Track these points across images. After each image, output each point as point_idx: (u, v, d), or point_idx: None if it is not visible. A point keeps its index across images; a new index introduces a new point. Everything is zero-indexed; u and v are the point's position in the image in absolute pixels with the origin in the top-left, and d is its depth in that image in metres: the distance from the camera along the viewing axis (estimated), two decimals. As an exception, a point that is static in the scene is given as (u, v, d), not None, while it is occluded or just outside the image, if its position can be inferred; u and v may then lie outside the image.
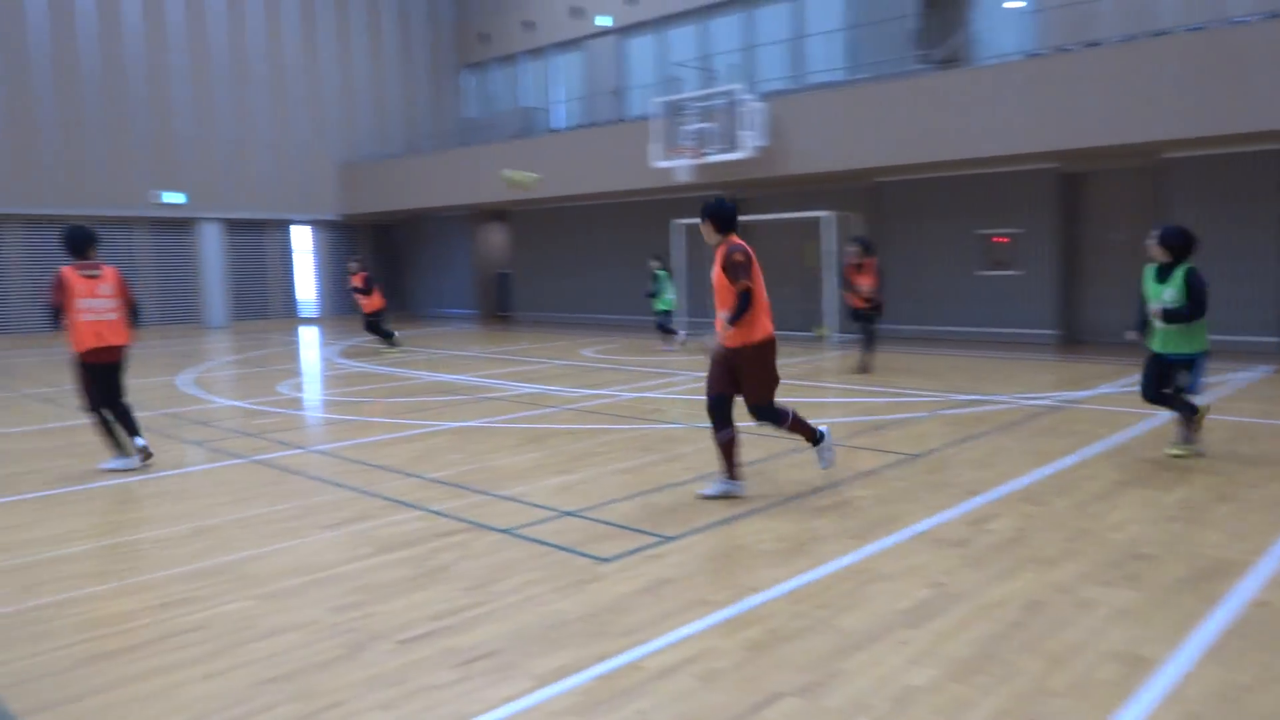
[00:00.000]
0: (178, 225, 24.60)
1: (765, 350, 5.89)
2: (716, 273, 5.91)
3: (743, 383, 5.94)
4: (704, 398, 6.15)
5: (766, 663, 3.57)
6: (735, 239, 5.97)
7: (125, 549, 5.36)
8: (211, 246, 25.00)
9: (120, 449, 7.50)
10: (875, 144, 15.64)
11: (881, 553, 4.86)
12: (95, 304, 7.28)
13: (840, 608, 4.11)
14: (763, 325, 5.87)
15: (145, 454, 7.51)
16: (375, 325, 17.32)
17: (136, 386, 12.61)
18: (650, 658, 3.64)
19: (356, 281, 17.26)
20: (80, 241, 7.34)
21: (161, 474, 7.32)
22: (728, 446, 5.98)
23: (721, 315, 5.86)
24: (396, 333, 17.63)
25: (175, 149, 24.00)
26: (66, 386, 12.82)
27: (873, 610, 4.07)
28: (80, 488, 6.91)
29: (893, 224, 17.62)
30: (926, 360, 13.68)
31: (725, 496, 6.01)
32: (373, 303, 17.17)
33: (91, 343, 7.26)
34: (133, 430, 7.49)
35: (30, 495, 6.72)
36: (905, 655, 3.61)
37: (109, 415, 7.46)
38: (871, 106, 15.68)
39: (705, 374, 6.15)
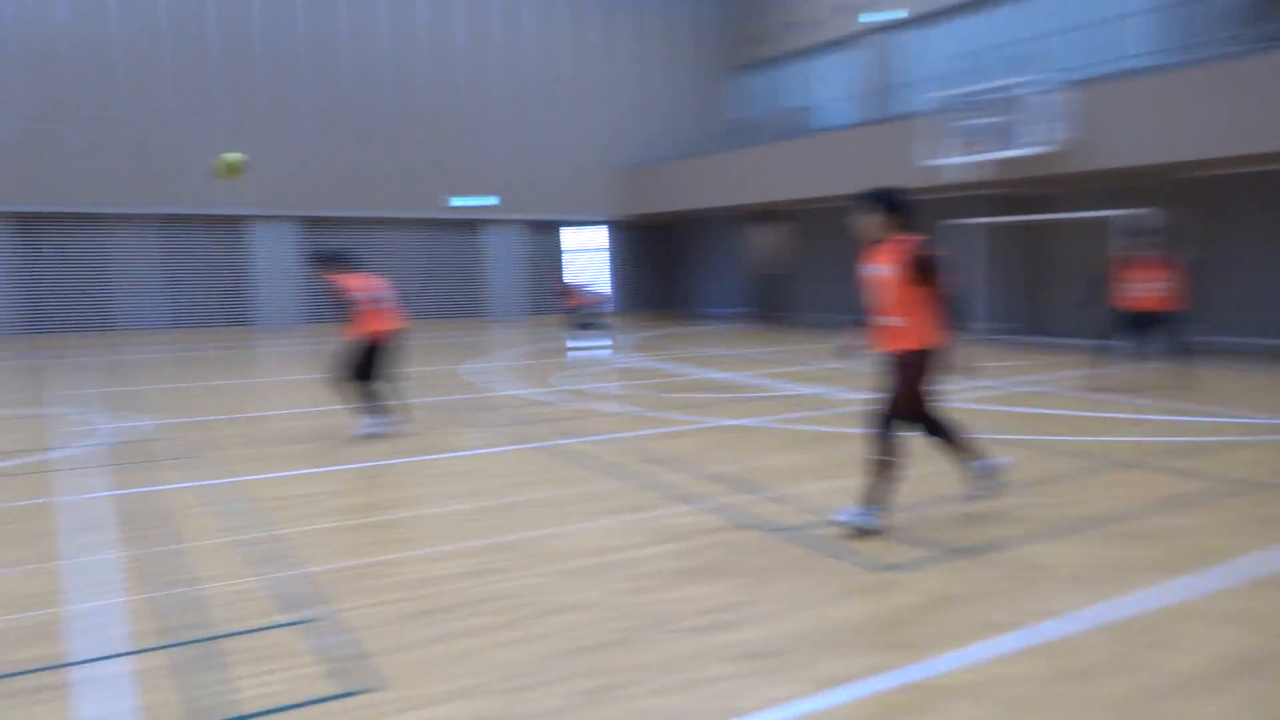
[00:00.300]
0: (467, 227, 26.80)
1: (929, 359, 5.24)
2: (891, 273, 5.24)
3: (891, 386, 5.28)
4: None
5: (1068, 697, 3.30)
6: (915, 235, 5.34)
7: (429, 519, 5.88)
8: (497, 246, 27.03)
9: (377, 413, 8.84)
10: (1197, 134, 14.01)
11: (1202, 589, 4.35)
12: (369, 296, 8.84)
13: (1154, 646, 3.71)
14: (936, 331, 5.25)
15: (374, 437, 8.75)
16: (580, 320, 19.73)
17: (426, 374, 13.84)
18: (935, 678, 3.48)
19: (560, 285, 20.24)
20: (337, 257, 9.11)
21: (452, 454, 7.98)
22: (948, 445, 5.54)
23: (893, 321, 5.28)
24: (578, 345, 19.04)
25: (464, 158, 26.14)
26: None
27: (1194, 653, 3.64)
28: (386, 463, 7.68)
29: (1209, 222, 15.77)
30: (1252, 377, 12.11)
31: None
32: (575, 300, 19.72)
33: (368, 327, 8.79)
34: (375, 410, 8.82)
35: (347, 466, 7.57)
36: (1238, 708, 3.20)
37: (373, 387, 8.85)
38: (1193, 92, 14.05)
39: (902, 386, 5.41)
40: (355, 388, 8.88)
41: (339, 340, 9.15)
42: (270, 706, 3.32)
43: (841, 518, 5.34)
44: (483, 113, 26.37)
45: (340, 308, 8.89)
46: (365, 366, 8.84)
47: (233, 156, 8.63)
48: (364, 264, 9.50)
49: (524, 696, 3.37)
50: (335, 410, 10.18)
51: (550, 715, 3.24)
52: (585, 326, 19.23)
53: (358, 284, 8.89)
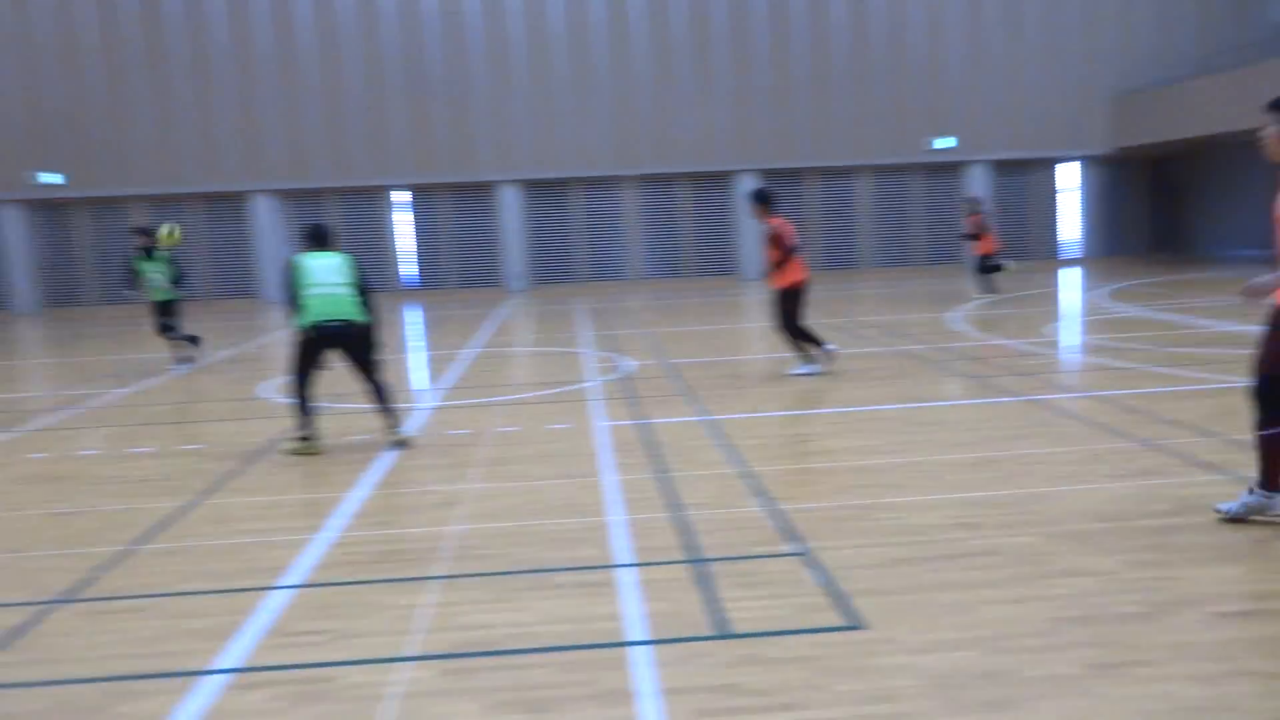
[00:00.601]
0: (947, 170, 25.81)
1: None
2: None
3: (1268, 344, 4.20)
4: None
5: None
6: None
7: (917, 467, 5.83)
8: (967, 190, 25.74)
9: (806, 359, 9.36)
10: None
11: None
12: (796, 240, 9.24)
13: None
14: None
15: (829, 357, 9.33)
16: (986, 267, 17.35)
17: (909, 322, 13.67)
18: None
19: (969, 225, 17.44)
20: (763, 197, 9.33)
21: (937, 403, 7.82)
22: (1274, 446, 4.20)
23: None
24: (1003, 266, 17.41)
25: (948, 96, 25.05)
26: (855, 317, 14.52)
27: None
28: (870, 409, 7.73)
29: None
30: None
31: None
32: (984, 246, 17.18)
33: (794, 274, 9.24)
34: (816, 341, 9.34)
35: (823, 410, 7.80)
36: None
37: (804, 331, 9.35)
38: None
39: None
40: (792, 333, 9.32)
41: (769, 288, 9.48)
42: (760, 629, 3.54)
43: (1224, 507, 4.48)
44: (940, 50, 25.08)
45: (775, 251, 9.16)
46: (794, 313, 9.23)
47: (164, 231, 11.85)
48: (781, 208, 9.75)
49: (1028, 658, 3.21)
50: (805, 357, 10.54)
51: (1060, 682, 3.05)
52: (989, 273, 17.37)
53: (787, 228, 9.21)
